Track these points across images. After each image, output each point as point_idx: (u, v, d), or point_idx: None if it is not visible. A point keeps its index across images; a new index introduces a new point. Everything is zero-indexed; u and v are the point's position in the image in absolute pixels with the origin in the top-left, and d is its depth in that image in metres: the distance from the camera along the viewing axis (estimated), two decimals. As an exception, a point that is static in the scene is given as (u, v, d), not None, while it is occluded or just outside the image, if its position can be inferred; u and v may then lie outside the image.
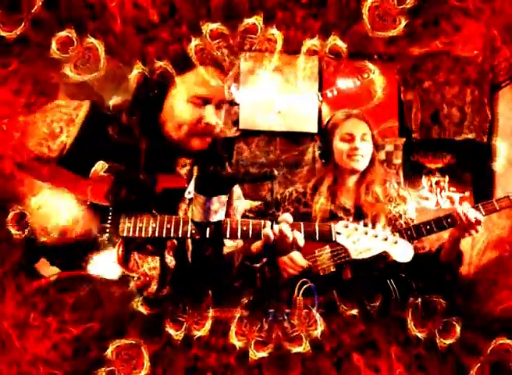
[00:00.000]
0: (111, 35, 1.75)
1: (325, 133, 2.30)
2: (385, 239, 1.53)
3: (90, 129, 1.60)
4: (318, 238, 1.53)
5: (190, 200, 1.65)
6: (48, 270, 1.45)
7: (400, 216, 2.22)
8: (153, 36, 1.80)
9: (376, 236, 1.53)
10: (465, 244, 2.17)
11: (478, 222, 1.98)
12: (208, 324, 1.55)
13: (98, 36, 1.70)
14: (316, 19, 2.13)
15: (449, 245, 2.08)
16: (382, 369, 1.50)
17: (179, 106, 1.60)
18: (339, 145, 2.20)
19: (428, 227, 2.02)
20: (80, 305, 1.43)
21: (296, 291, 1.92)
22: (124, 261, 1.52)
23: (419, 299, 1.65)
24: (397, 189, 2.34)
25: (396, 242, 1.53)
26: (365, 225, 1.55)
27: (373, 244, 1.52)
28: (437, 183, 3.97)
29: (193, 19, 1.79)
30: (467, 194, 3.95)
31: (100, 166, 1.55)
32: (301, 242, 1.48)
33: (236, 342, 1.55)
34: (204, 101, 1.60)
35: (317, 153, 2.36)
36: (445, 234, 2.15)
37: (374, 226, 1.55)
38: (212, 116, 1.61)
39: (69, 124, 1.58)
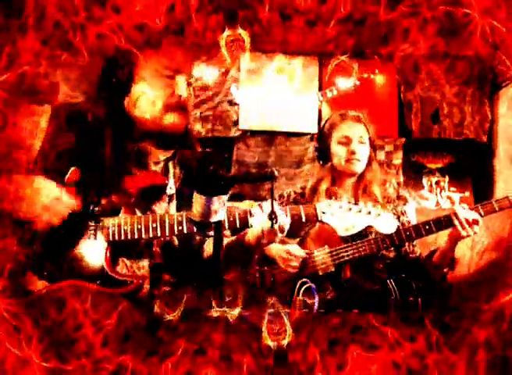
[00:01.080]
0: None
1: (322, 134, 2.30)
2: (369, 213, 1.56)
3: (56, 133, 1.57)
4: (304, 220, 1.54)
5: (171, 196, 1.64)
6: (37, 285, 1.42)
7: (399, 217, 2.22)
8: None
9: (360, 211, 1.56)
10: (465, 245, 2.17)
11: (475, 222, 1.98)
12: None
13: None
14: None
15: (446, 246, 2.08)
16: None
17: (150, 81, 1.57)
18: (337, 148, 2.21)
19: (427, 228, 2.02)
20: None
21: (296, 291, 1.92)
22: (113, 265, 1.50)
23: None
24: (397, 189, 2.34)
25: (379, 214, 1.56)
26: (349, 202, 1.57)
27: (357, 219, 1.55)
28: (437, 183, 3.97)
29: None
30: (467, 194, 3.95)
31: (74, 171, 1.52)
32: (287, 225, 1.50)
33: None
34: (174, 73, 1.58)
35: (314, 154, 2.35)
36: (439, 240, 2.16)
37: (357, 202, 1.58)
38: (183, 88, 1.59)
39: (32, 133, 1.56)
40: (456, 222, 1.97)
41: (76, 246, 1.47)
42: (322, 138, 2.29)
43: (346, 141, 2.18)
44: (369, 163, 2.25)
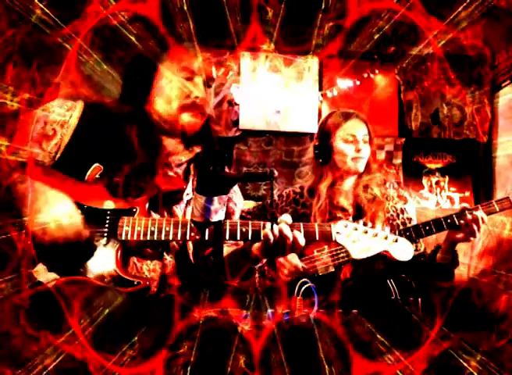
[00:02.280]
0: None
1: (323, 133, 2.26)
2: (386, 238, 1.53)
3: (85, 130, 1.57)
4: (318, 238, 1.52)
5: (188, 201, 1.64)
6: (46, 276, 1.42)
7: (398, 215, 2.21)
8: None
9: (376, 235, 1.53)
10: (465, 246, 2.16)
11: (483, 222, 1.97)
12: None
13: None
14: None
15: (445, 248, 2.08)
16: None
17: (169, 81, 1.59)
18: (342, 147, 2.18)
19: (427, 228, 2.01)
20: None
21: (296, 291, 1.92)
22: (123, 265, 1.50)
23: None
24: (397, 189, 2.33)
25: (396, 240, 1.53)
26: (365, 224, 1.54)
27: (373, 243, 1.52)
28: (437, 183, 3.97)
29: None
30: (467, 194, 3.95)
31: (95, 169, 1.54)
32: (302, 242, 1.48)
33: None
34: (192, 75, 1.60)
35: (313, 153, 2.32)
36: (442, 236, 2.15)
37: (373, 226, 1.55)
38: (201, 90, 1.61)
39: (62, 126, 1.56)
40: (459, 224, 1.96)
41: (96, 225, 1.48)
42: (324, 137, 2.25)
43: (353, 140, 2.17)
44: (369, 163, 2.24)
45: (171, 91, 1.58)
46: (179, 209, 1.62)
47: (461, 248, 2.19)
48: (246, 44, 3.79)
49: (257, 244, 1.57)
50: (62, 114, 1.58)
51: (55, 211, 1.42)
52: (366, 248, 1.52)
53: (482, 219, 1.96)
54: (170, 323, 1.46)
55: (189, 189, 1.63)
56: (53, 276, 1.42)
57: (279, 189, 3.36)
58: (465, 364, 1.51)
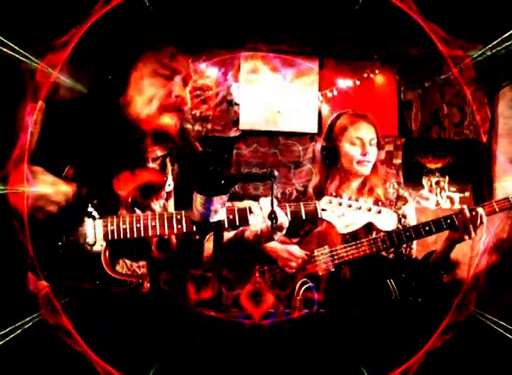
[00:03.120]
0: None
1: (331, 134, 2.25)
2: (369, 210, 1.54)
3: (50, 131, 1.55)
4: (304, 217, 1.53)
5: (169, 193, 1.63)
6: (37, 285, 1.41)
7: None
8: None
9: (360, 208, 1.54)
10: (465, 245, 2.16)
11: (480, 223, 1.97)
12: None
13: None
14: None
15: (443, 248, 2.08)
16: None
17: (148, 80, 1.55)
18: (348, 149, 2.18)
19: (426, 228, 2.01)
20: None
21: (296, 291, 1.92)
22: (112, 265, 1.49)
23: None
24: (397, 189, 2.33)
25: (379, 212, 1.55)
26: (349, 199, 1.56)
27: (358, 216, 1.54)
28: (437, 183, 3.97)
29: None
30: (467, 194, 3.95)
31: (69, 171, 1.51)
32: (286, 223, 1.49)
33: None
34: (172, 73, 1.57)
35: (320, 153, 2.31)
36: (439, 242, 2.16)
37: (357, 199, 1.56)
38: (181, 89, 1.58)
39: (34, 126, 1.54)
40: (458, 224, 1.96)
41: (74, 234, 1.46)
42: (331, 138, 2.24)
43: (360, 143, 2.17)
44: (375, 166, 2.24)
45: (150, 90, 1.55)
46: (157, 206, 1.61)
47: (462, 248, 2.19)
48: (246, 44, 3.79)
49: (249, 231, 1.57)
50: (31, 118, 1.56)
51: (42, 185, 1.42)
52: (351, 222, 1.54)
53: (481, 218, 1.97)
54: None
55: (169, 180, 1.62)
56: (44, 284, 1.41)
57: (278, 189, 3.36)
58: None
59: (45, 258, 1.45)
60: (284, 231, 1.54)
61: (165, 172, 1.64)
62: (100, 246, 1.47)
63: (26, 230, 1.41)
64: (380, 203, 1.57)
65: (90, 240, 1.47)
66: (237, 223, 1.50)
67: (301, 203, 1.54)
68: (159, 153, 1.64)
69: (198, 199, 1.38)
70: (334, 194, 1.57)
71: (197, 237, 1.55)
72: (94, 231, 1.47)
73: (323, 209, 1.53)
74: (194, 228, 1.46)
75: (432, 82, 3.91)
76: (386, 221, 1.55)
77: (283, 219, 1.49)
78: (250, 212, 1.50)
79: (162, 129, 1.58)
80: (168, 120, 1.57)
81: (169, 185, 1.61)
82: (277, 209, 1.47)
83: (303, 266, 2.07)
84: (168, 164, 1.66)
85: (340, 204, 1.54)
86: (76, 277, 1.45)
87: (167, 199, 1.62)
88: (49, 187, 1.42)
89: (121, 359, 1.38)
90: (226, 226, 1.49)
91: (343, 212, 1.54)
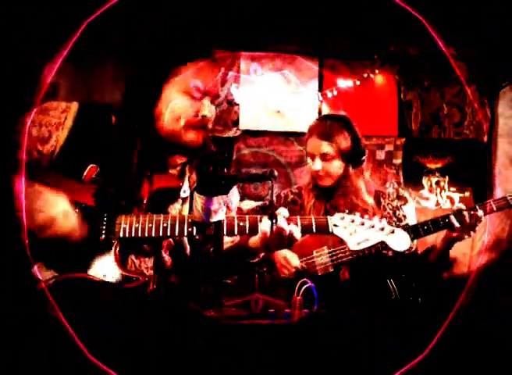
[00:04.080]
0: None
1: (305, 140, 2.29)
2: (382, 229, 1.53)
3: (80, 131, 1.58)
4: (315, 231, 1.53)
5: (184, 199, 1.65)
6: (45, 274, 1.43)
7: (395, 212, 2.22)
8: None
9: (373, 226, 1.53)
10: (465, 245, 2.17)
11: (477, 222, 1.98)
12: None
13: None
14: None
15: (441, 246, 2.08)
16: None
17: (177, 98, 1.60)
18: (308, 161, 2.21)
19: (425, 228, 2.02)
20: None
21: (295, 291, 1.92)
22: (121, 262, 1.51)
23: None
24: (397, 189, 2.34)
25: (393, 232, 1.53)
26: (361, 216, 1.55)
27: (370, 234, 1.53)
28: (437, 183, 3.97)
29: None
30: (467, 194, 3.96)
31: (91, 170, 1.55)
32: (298, 235, 1.49)
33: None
34: (202, 95, 1.61)
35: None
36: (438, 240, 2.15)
37: (370, 218, 1.55)
38: (208, 109, 1.62)
39: (58, 128, 1.57)
40: (456, 223, 1.97)
41: (88, 228, 1.49)
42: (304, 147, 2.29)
43: (311, 158, 2.17)
44: (344, 178, 2.17)
45: (179, 108, 1.60)
46: (174, 211, 1.63)
47: (461, 248, 2.19)
48: (246, 44, 3.80)
49: (253, 239, 1.58)
50: (57, 116, 1.59)
51: (52, 209, 1.43)
52: (363, 239, 1.53)
53: (478, 218, 1.98)
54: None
55: (185, 186, 1.65)
56: (52, 273, 1.44)
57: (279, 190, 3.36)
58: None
59: (55, 249, 1.46)
60: (292, 243, 1.54)
61: (183, 178, 1.67)
62: (112, 242, 1.50)
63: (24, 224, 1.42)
64: (394, 223, 1.57)
65: (103, 235, 1.49)
66: (247, 232, 1.51)
67: (313, 217, 1.54)
68: (179, 161, 1.67)
69: (198, 199, 1.38)
70: (347, 211, 1.57)
71: (197, 237, 1.56)
72: (108, 227, 1.50)
73: (335, 225, 1.53)
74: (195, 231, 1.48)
75: (433, 82, 3.92)
76: (399, 241, 1.54)
77: (296, 232, 1.49)
78: (261, 221, 1.50)
79: (186, 144, 1.63)
80: (192, 137, 1.62)
81: (185, 192, 1.64)
82: (292, 227, 1.48)
83: (297, 273, 2.06)
84: (187, 171, 1.69)
85: (353, 221, 1.53)
86: (85, 270, 1.47)
87: (182, 204, 1.65)
88: (60, 213, 1.44)
89: (120, 356, 1.38)
90: (236, 232, 1.49)
91: (355, 230, 1.53)
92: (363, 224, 1.53)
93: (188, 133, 1.61)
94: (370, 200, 2.20)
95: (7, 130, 1.52)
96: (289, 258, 2.09)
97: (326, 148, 2.14)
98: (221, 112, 3.91)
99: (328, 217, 1.54)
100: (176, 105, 1.60)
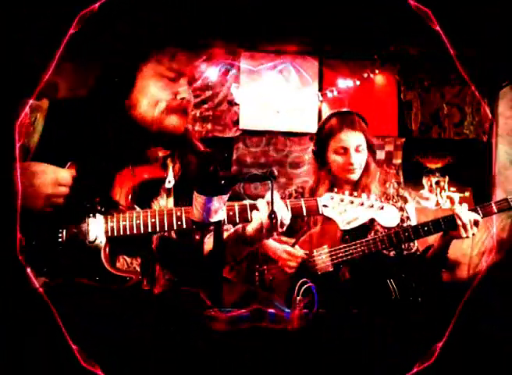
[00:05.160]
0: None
1: (320, 139, 2.25)
2: (371, 206, 1.52)
3: (53, 129, 1.54)
4: (305, 213, 1.52)
5: (169, 191, 1.63)
6: (36, 281, 1.41)
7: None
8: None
9: (362, 204, 1.51)
10: (465, 245, 2.17)
11: (476, 223, 1.98)
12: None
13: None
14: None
15: (439, 244, 2.08)
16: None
17: (154, 82, 1.56)
18: (334, 157, 2.17)
19: (425, 228, 2.02)
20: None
21: (295, 291, 1.91)
22: (112, 262, 1.50)
23: None
24: (397, 189, 2.33)
25: (382, 208, 1.51)
26: (350, 195, 1.54)
27: (360, 212, 1.51)
28: (437, 183, 3.97)
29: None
30: (467, 194, 3.96)
31: (70, 167, 1.50)
32: (288, 219, 1.49)
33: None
34: (178, 76, 1.58)
35: (312, 156, 2.32)
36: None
37: (359, 195, 1.54)
38: (186, 91, 1.59)
39: (28, 128, 1.54)
40: (459, 222, 1.97)
41: (75, 230, 1.47)
42: (320, 144, 2.24)
43: (344, 152, 2.15)
44: (367, 167, 2.21)
45: (156, 92, 1.56)
46: (158, 203, 1.61)
47: (462, 248, 2.20)
48: (246, 44, 3.80)
49: (250, 228, 1.57)
50: (29, 116, 1.55)
51: (41, 177, 1.42)
52: (353, 218, 1.52)
53: (476, 220, 1.98)
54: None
55: (170, 176, 1.63)
56: (43, 280, 1.42)
57: (278, 190, 3.37)
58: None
59: (45, 253, 1.45)
60: (285, 227, 1.53)
61: (166, 170, 1.64)
62: (100, 242, 1.47)
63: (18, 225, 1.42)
64: (383, 198, 1.56)
65: (90, 236, 1.47)
66: (237, 220, 1.50)
67: (302, 199, 1.53)
68: (161, 154, 1.64)
69: (198, 199, 1.38)
70: (336, 190, 1.56)
71: (198, 237, 1.55)
72: (95, 227, 1.48)
73: (324, 205, 1.51)
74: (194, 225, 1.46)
75: (433, 82, 3.92)
76: (389, 217, 1.52)
77: (285, 214, 1.49)
78: (252, 208, 1.50)
79: (167, 130, 1.58)
80: (174, 122, 1.58)
81: (169, 182, 1.61)
82: (279, 204, 1.47)
83: (302, 265, 2.07)
84: (170, 164, 1.66)
85: (342, 200, 1.52)
86: (76, 273, 1.46)
87: (167, 197, 1.63)
88: (51, 174, 1.42)
89: (119, 357, 1.38)
90: (226, 222, 1.48)
91: (345, 209, 1.51)
92: (352, 203, 1.52)
93: (168, 118, 1.56)
94: (376, 190, 2.21)
95: (7, 130, 1.52)
96: (292, 251, 2.09)
97: (361, 139, 2.16)
98: (221, 112, 3.91)
99: (318, 198, 1.52)
100: (152, 90, 1.56)
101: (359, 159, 2.16)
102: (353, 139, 2.16)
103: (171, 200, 1.64)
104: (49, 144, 1.54)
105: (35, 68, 1.60)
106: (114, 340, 1.37)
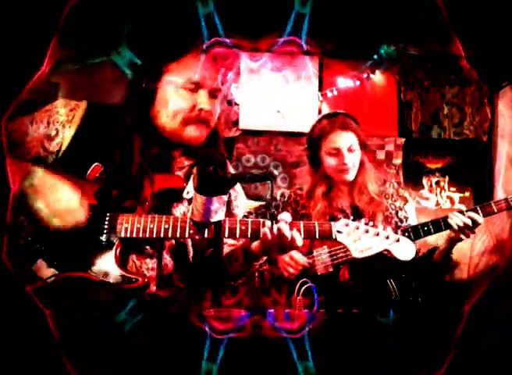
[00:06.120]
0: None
1: (312, 142, 2.25)
2: (387, 237, 1.52)
3: (87, 130, 1.59)
4: (318, 237, 1.52)
5: (189, 200, 1.64)
6: (46, 272, 1.44)
7: (397, 212, 2.21)
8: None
9: (377, 234, 1.52)
10: (465, 246, 2.17)
11: (474, 225, 1.98)
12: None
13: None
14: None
15: (444, 246, 2.09)
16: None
17: (172, 93, 1.58)
18: (327, 159, 2.17)
19: (425, 229, 2.02)
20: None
21: (296, 291, 1.92)
22: (122, 262, 1.51)
23: None
24: (397, 189, 2.33)
25: (398, 240, 1.52)
26: (366, 224, 1.54)
27: (374, 242, 1.51)
28: (437, 183, 3.97)
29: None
30: (467, 194, 3.96)
31: (95, 168, 1.55)
32: (299, 242, 1.48)
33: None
34: (197, 87, 1.59)
35: (305, 157, 2.31)
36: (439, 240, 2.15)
37: (375, 225, 1.54)
38: (206, 102, 1.59)
39: (64, 126, 1.58)
40: (454, 225, 1.97)
41: (90, 227, 1.50)
42: (312, 146, 2.24)
43: (336, 153, 2.15)
44: (361, 166, 2.21)
45: (174, 104, 1.58)
46: (178, 213, 1.62)
47: (462, 249, 2.19)
48: (246, 44, 3.80)
49: (256, 242, 1.57)
50: (65, 114, 1.60)
51: (64, 203, 1.45)
52: (367, 247, 1.51)
53: (476, 220, 1.98)
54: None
55: (189, 187, 1.64)
56: (53, 271, 1.44)
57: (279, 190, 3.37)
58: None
59: (57, 247, 1.47)
60: (298, 248, 1.53)
61: (189, 179, 1.66)
62: (113, 241, 1.50)
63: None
64: (399, 231, 1.55)
65: (104, 235, 1.49)
66: (249, 236, 1.50)
67: (316, 222, 1.53)
68: (186, 162, 1.66)
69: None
70: (352, 218, 1.56)
71: (197, 237, 1.55)
72: (110, 226, 1.50)
73: (338, 231, 1.51)
74: (206, 234, 1.47)
75: (433, 82, 3.92)
76: (405, 251, 1.52)
77: (298, 238, 1.48)
78: (263, 225, 1.49)
79: (186, 141, 1.60)
80: (192, 133, 1.59)
81: (188, 193, 1.63)
82: (295, 233, 1.46)
83: (303, 272, 2.05)
84: (194, 172, 1.67)
85: (357, 228, 1.51)
86: (85, 269, 1.47)
87: (188, 205, 1.64)
88: (66, 204, 1.46)
89: (119, 358, 1.39)
90: (237, 235, 1.48)
91: (359, 237, 1.50)
92: (367, 232, 1.51)
93: (186, 130, 1.58)
94: (373, 190, 2.21)
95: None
96: (297, 258, 2.08)
97: (353, 138, 2.16)
98: (221, 111, 3.91)
99: (332, 223, 1.51)
100: (172, 101, 1.58)
101: (352, 159, 2.16)
102: (344, 139, 2.15)
103: (189, 208, 1.64)
104: (80, 143, 1.58)
105: (35, 68, 1.61)
106: (114, 339, 1.38)
